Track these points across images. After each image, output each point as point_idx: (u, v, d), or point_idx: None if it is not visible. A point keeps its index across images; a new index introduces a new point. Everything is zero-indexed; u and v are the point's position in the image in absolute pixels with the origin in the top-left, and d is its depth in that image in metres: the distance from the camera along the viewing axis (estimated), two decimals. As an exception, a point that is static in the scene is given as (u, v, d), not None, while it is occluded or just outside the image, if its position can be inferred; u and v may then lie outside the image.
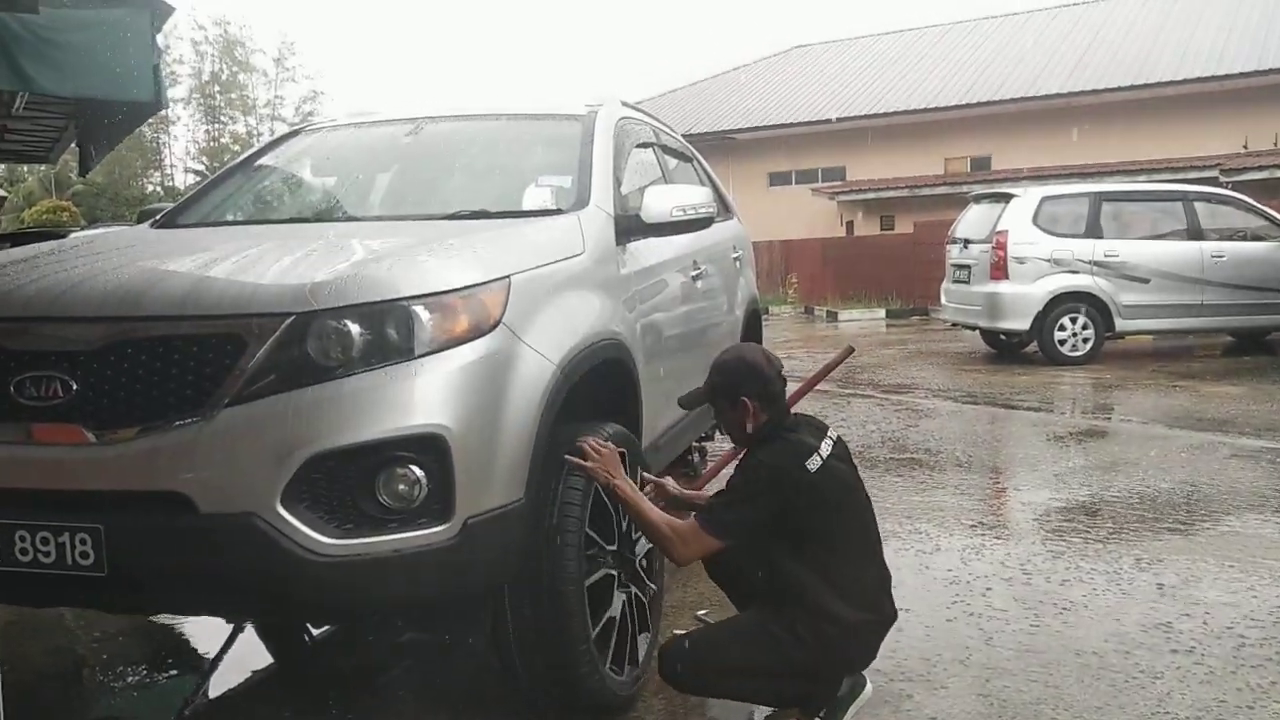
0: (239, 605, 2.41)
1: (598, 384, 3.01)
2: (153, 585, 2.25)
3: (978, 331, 11.32)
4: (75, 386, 2.25)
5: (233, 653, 3.45)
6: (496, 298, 2.49)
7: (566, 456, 2.61)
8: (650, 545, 3.01)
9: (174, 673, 3.34)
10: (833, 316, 17.82)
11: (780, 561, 2.61)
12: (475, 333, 2.40)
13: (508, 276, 2.55)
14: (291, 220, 3.49)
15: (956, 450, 6.21)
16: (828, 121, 24.85)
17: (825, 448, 2.63)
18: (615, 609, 2.78)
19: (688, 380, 3.76)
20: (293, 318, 2.25)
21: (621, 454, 2.73)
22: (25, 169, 37.04)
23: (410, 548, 2.24)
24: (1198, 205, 10.21)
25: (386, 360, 2.28)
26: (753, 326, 5.63)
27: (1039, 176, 19.11)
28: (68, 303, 2.38)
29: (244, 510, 2.15)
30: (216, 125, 43.81)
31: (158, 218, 3.70)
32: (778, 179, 26.46)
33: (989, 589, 3.74)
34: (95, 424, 2.23)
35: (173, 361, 2.24)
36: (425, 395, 2.28)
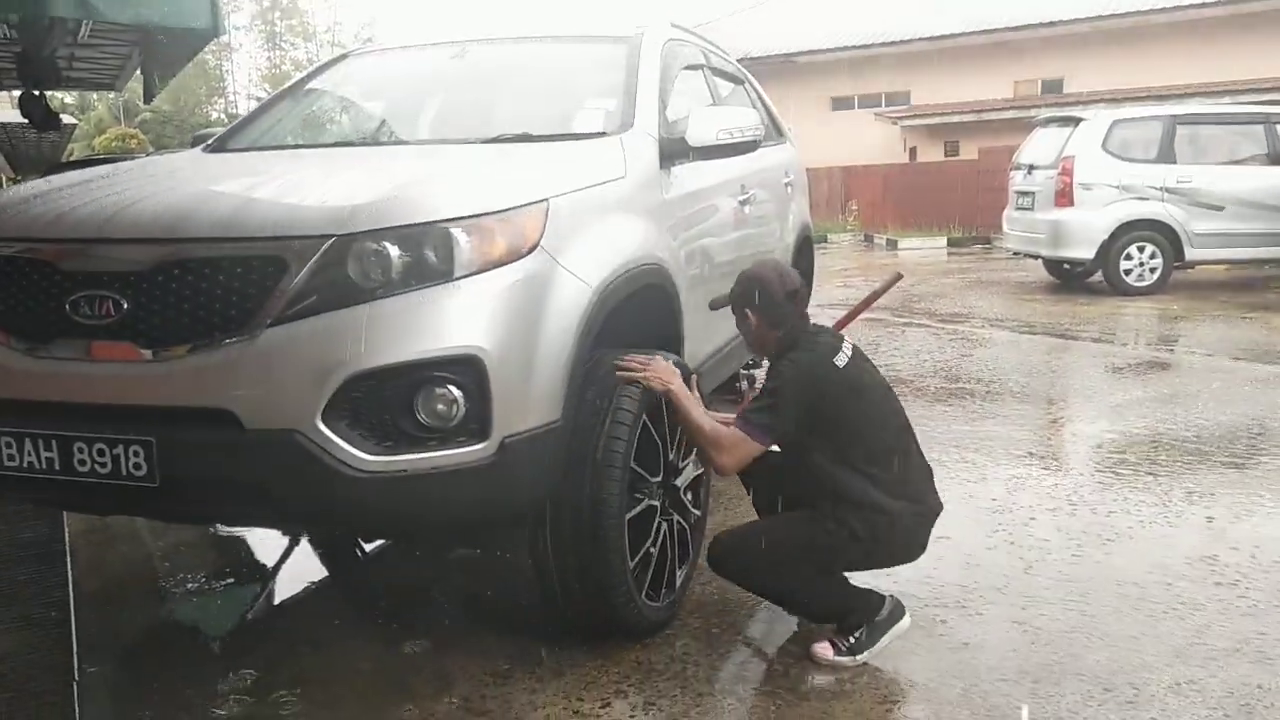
0: (284, 517, 2.51)
1: (638, 309, 3.02)
2: (201, 496, 2.35)
3: (1041, 261, 11.05)
4: (127, 306, 2.33)
5: (290, 564, 3.60)
6: (534, 221, 2.50)
7: (618, 371, 2.67)
8: (695, 475, 3.05)
9: (234, 581, 3.49)
10: (892, 244, 17.52)
11: (822, 464, 2.68)
12: (513, 255, 2.42)
13: (546, 200, 2.55)
14: (338, 144, 3.52)
15: (1010, 380, 6.12)
16: (892, 43, 24.08)
17: (847, 350, 2.76)
18: (655, 541, 2.83)
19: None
20: (333, 239, 2.29)
21: (678, 363, 2.82)
22: (95, 97, 37.74)
23: (448, 465, 2.30)
24: None
25: (425, 282, 2.31)
26: (804, 253, 5.57)
27: (1114, 100, 18.35)
28: (118, 225, 2.44)
29: (287, 427, 2.22)
30: (277, 51, 44.07)
31: (209, 142, 3.76)
32: (840, 104, 25.82)
33: (1033, 519, 3.72)
34: (148, 342, 2.31)
35: (218, 282, 2.30)
36: (462, 317, 2.32)
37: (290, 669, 2.75)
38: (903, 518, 2.67)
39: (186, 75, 27.76)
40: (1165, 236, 9.64)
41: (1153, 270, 9.73)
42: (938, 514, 2.78)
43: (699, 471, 3.14)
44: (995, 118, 21.11)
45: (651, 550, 2.82)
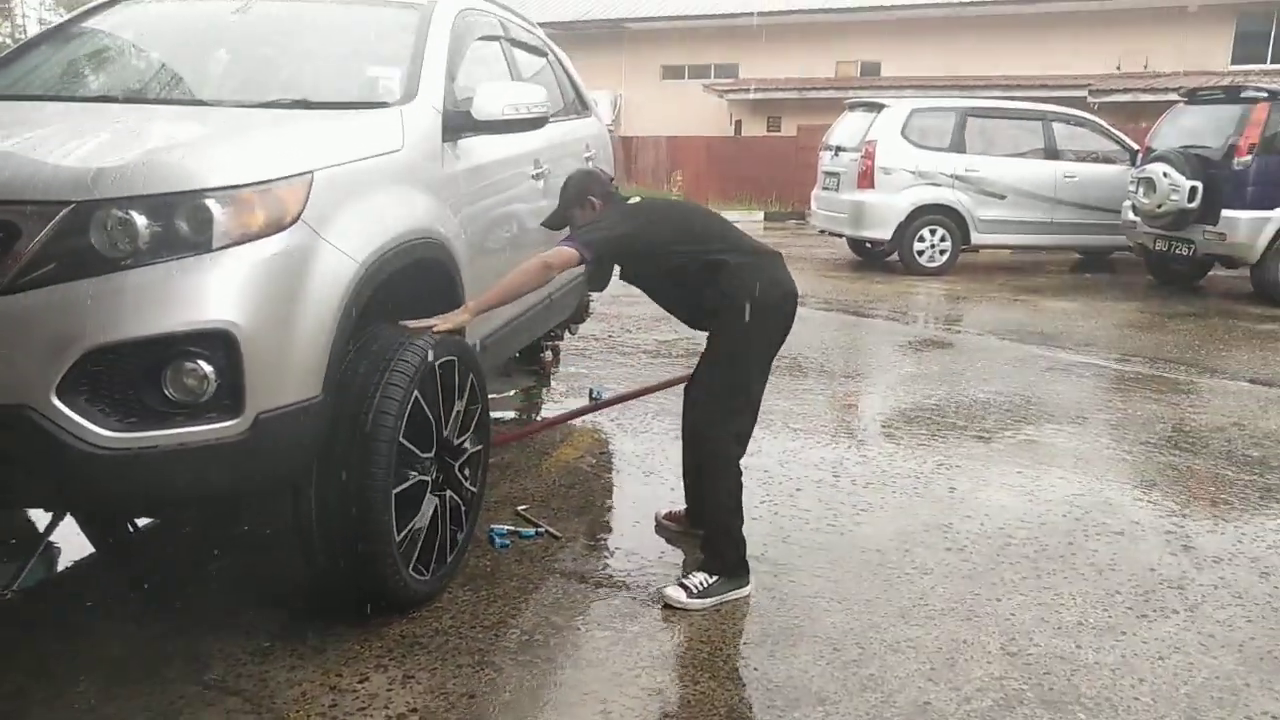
0: (21, 496, 2.40)
1: (415, 282, 3.03)
2: (-73, 472, 2.22)
3: (845, 239, 11.61)
4: None
5: (54, 540, 3.42)
6: (296, 193, 2.47)
7: (403, 322, 2.86)
8: (471, 452, 3.11)
9: (-19, 557, 3.30)
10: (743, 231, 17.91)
11: (678, 267, 3.07)
12: (272, 228, 2.39)
13: (310, 172, 2.52)
14: (100, 98, 3.32)
15: (797, 356, 6.45)
16: (723, 15, 24.50)
17: (639, 198, 3.34)
18: (424, 516, 2.86)
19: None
20: (72, 206, 2.20)
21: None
22: None
23: (197, 441, 2.27)
24: (1056, 126, 10.61)
25: (175, 254, 2.25)
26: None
27: (925, 86, 19.39)
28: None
29: (18, 402, 2.13)
30: (75, -25, 40.39)
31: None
32: (670, 73, 26.11)
33: (798, 490, 3.97)
34: None
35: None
36: (214, 291, 2.27)
37: (26, 658, 2.64)
38: (760, 260, 3.10)
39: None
40: (954, 221, 10.33)
41: (942, 252, 10.41)
42: (779, 255, 3.21)
43: (476, 448, 3.19)
44: (816, 96, 21.87)
45: (421, 525, 2.86)
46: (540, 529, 3.52)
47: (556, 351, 6.01)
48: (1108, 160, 10.68)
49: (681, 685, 2.55)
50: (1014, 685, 2.57)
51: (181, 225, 2.27)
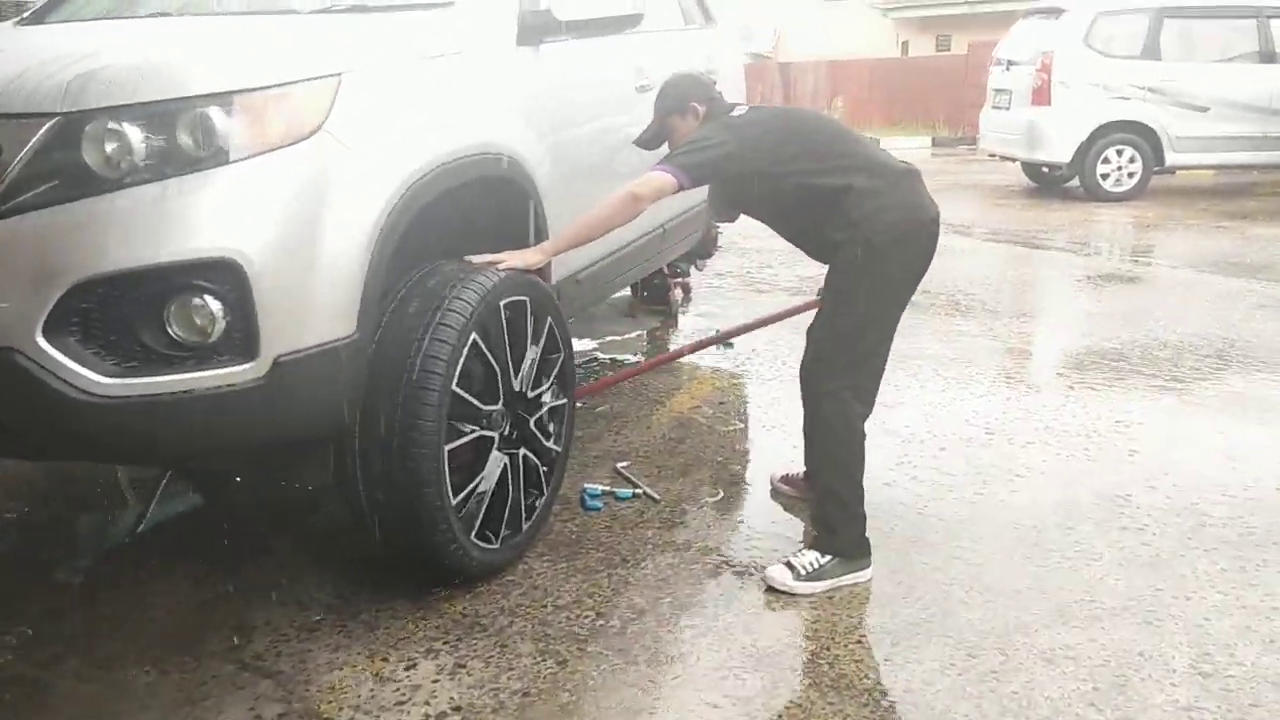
0: (16, 447, 2.16)
1: (482, 211, 2.65)
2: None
3: (1019, 164, 10.56)
4: None
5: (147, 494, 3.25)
6: (318, 98, 2.10)
7: (469, 258, 2.52)
8: (551, 406, 2.73)
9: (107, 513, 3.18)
10: (875, 143, 16.86)
11: (794, 192, 2.56)
12: (287, 140, 2.03)
13: (337, 75, 2.14)
14: (156, 14, 3.05)
15: (956, 293, 5.76)
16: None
17: (747, 106, 2.74)
18: (490, 478, 2.50)
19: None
20: (57, 119, 1.90)
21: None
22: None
23: (206, 387, 1.96)
24: (1274, 24, 9.17)
25: (171, 172, 1.93)
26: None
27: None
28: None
29: (2, 344, 1.86)
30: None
31: (25, 15, 3.31)
32: (832, -8, 24.78)
33: (942, 449, 3.41)
34: None
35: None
36: (215, 215, 1.94)
37: (77, 619, 2.45)
38: (886, 182, 2.52)
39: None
40: (1146, 139, 9.15)
41: (1131, 175, 9.28)
42: (913, 172, 2.60)
43: (558, 402, 2.80)
44: (990, 10, 20.17)
45: (486, 487, 2.50)
46: (639, 490, 3.12)
47: (687, 289, 5.56)
48: (1338, 64, 9.20)
49: (774, 694, 2.10)
50: (1207, 718, 2.00)
51: (180, 138, 1.95)
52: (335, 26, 2.48)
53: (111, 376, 1.90)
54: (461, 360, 2.33)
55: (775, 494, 3.09)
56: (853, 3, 24.06)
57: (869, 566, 2.56)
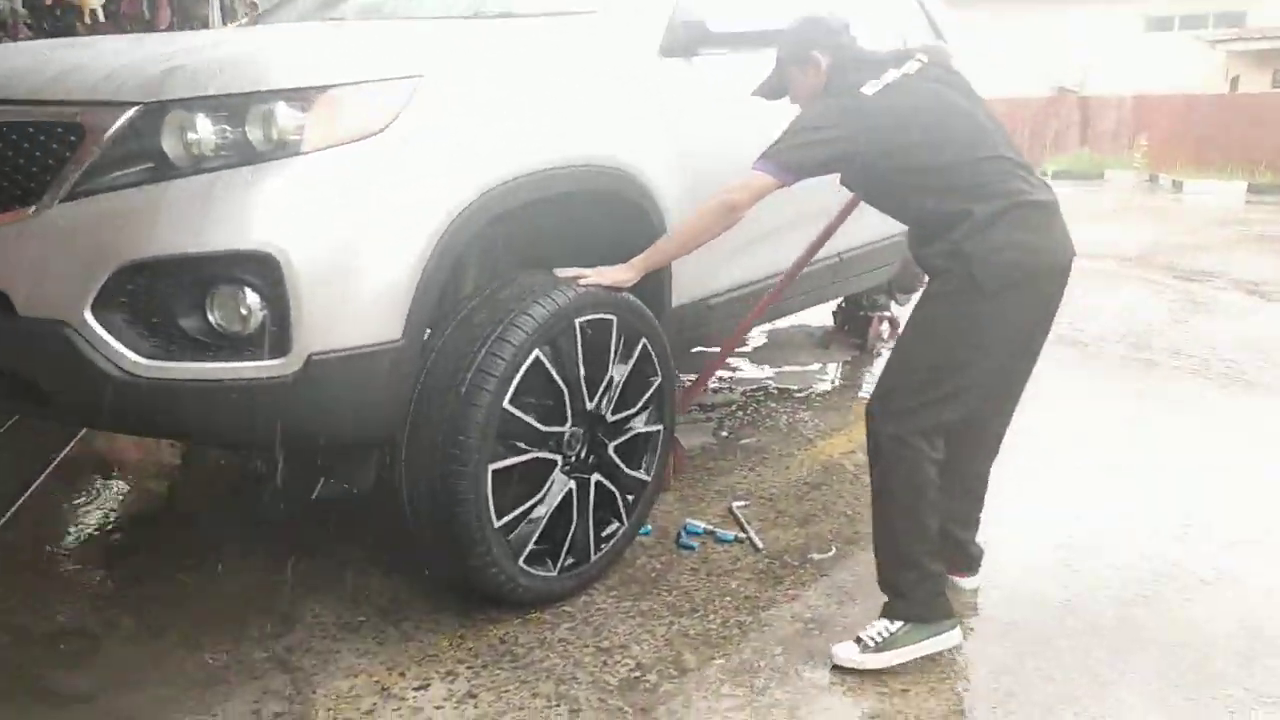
0: (60, 415, 2.27)
1: (590, 221, 2.55)
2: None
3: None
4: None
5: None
6: (386, 101, 2.07)
7: (557, 272, 2.37)
8: (640, 432, 2.57)
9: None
10: (1178, 186, 15.16)
11: (902, 204, 2.28)
12: (344, 140, 2.02)
13: (416, 76, 2.10)
14: (331, 19, 3.20)
15: (1207, 356, 4.95)
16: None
17: (890, 75, 2.22)
18: (550, 502, 2.38)
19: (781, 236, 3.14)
20: (137, 108, 1.98)
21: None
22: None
23: (236, 378, 1.98)
24: None
25: (224, 164, 1.97)
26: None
27: None
28: (28, 83, 2.19)
29: (55, 317, 1.96)
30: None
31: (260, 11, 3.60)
32: (1156, 24, 22.68)
33: (1114, 535, 2.88)
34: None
35: (20, 149, 2.06)
36: (257, 209, 1.95)
37: (152, 586, 2.57)
38: (1014, 213, 2.11)
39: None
40: None
41: None
42: (1049, 198, 2.19)
43: (651, 428, 2.63)
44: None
45: (542, 511, 2.37)
46: (744, 535, 2.87)
47: (894, 324, 5.16)
48: None
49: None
50: None
51: (247, 131, 1.99)
52: (428, 29, 2.47)
53: (149, 358, 1.95)
54: (518, 377, 2.22)
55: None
56: (1179, 34, 21.92)
57: (954, 628, 2.22)
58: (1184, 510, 3.07)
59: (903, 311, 5.33)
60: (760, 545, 2.81)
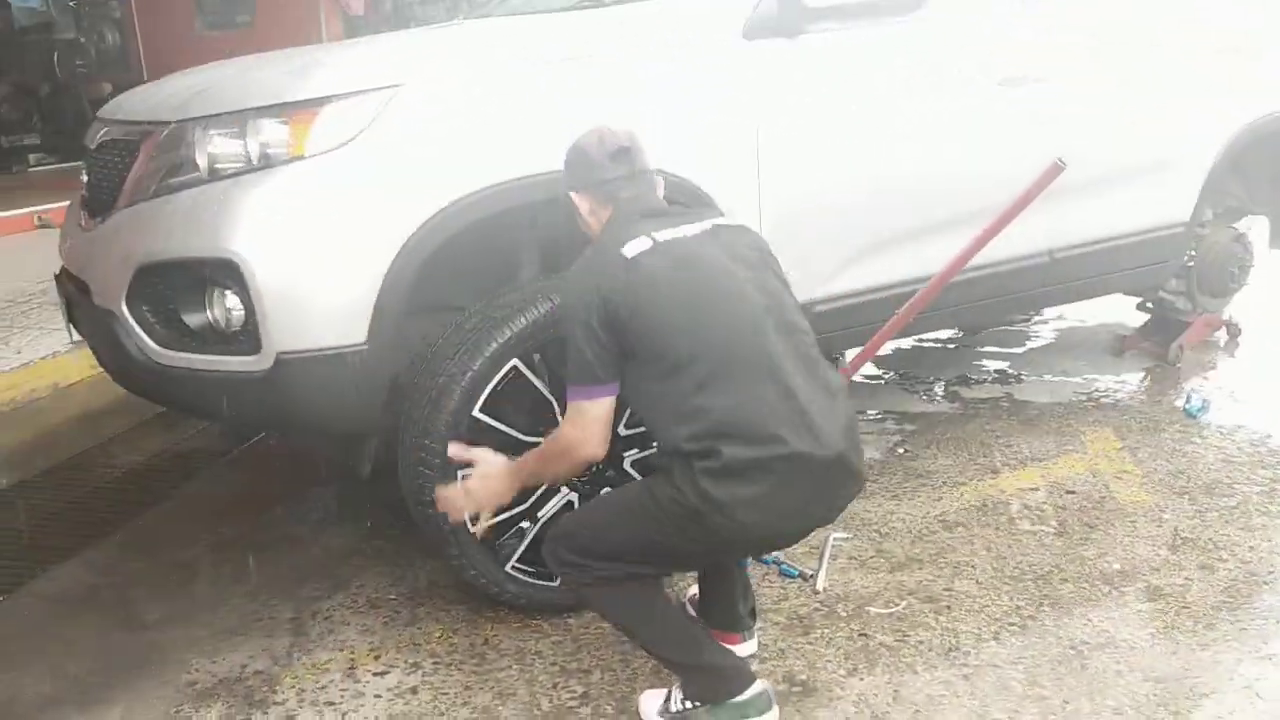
0: (130, 390, 2.62)
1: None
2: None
3: None
4: (88, 179, 2.65)
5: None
6: (356, 113, 2.16)
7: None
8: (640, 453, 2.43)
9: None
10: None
11: (640, 400, 1.90)
12: (319, 150, 2.15)
13: (392, 87, 2.17)
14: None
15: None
16: None
17: (662, 233, 1.84)
18: (546, 511, 2.34)
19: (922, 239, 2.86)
20: (170, 126, 2.29)
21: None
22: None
23: (220, 370, 2.24)
24: None
25: (217, 176, 2.21)
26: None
27: None
28: (124, 105, 2.70)
29: (108, 307, 2.34)
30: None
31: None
32: None
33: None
34: (90, 212, 2.58)
35: (111, 164, 2.48)
36: (225, 218, 2.15)
37: (265, 535, 2.91)
38: (775, 467, 1.74)
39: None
40: None
41: None
42: (836, 456, 1.79)
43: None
44: None
45: (537, 515, 2.34)
46: (811, 573, 2.59)
47: (1232, 331, 4.22)
48: None
49: None
50: None
51: (232, 146, 2.21)
52: (422, 37, 2.53)
53: (164, 347, 2.26)
54: (490, 386, 2.21)
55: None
56: None
57: (770, 707, 1.95)
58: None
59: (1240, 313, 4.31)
60: (821, 588, 2.51)
